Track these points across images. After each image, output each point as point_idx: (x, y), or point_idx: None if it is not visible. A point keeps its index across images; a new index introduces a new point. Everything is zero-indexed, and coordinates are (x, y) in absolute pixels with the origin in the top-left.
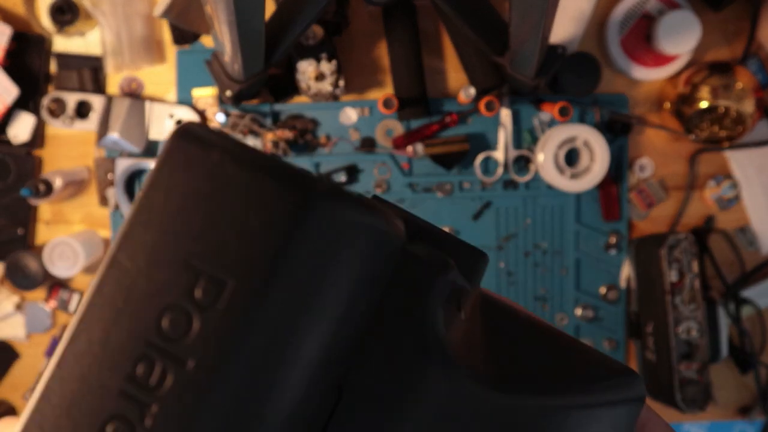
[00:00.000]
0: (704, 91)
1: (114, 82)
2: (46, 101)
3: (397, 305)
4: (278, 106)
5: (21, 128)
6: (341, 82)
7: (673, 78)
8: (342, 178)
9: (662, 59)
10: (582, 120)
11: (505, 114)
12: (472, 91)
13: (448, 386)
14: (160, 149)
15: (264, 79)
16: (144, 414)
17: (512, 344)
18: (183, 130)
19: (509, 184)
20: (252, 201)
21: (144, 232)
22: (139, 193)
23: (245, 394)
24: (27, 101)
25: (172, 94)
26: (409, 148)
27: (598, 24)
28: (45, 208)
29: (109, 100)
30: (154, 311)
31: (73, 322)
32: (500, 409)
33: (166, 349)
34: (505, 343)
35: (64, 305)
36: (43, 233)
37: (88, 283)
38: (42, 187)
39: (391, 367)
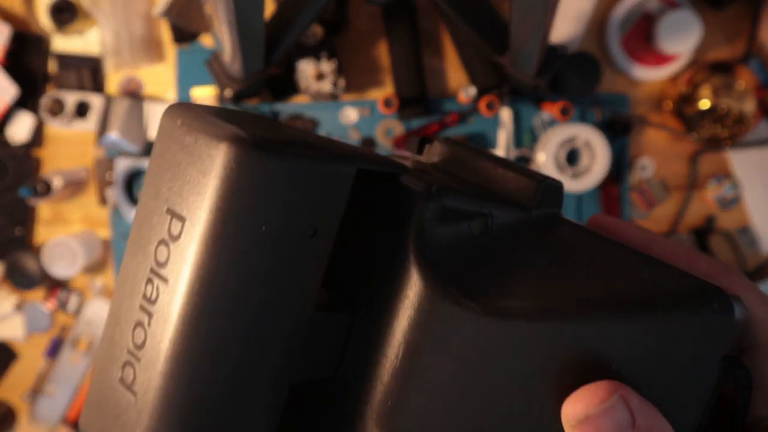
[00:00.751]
0: (705, 90)
1: (113, 82)
2: (45, 101)
3: (385, 230)
4: (278, 106)
5: (20, 128)
6: (341, 82)
7: (674, 78)
8: None
9: (663, 59)
10: (583, 120)
11: (506, 114)
12: (473, 90)
13: (435, 305)
14: None
15: (264, 79)
16: (150, 320)
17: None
18: (169, 107)
19: None
20: (194, 156)
21: (147, 188)
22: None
23: (205, 304)
24: (26, 101)
25: (171, 94)
26: None
27: (598, 24)
28: (44, 208)
29: (109, 99)
30: (151, 245)
31: (124, 259)
32: (491, 330)
33: (158, 273)
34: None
35: (63, 305)
36: (42, 233)
37: (86, 284)
38: (41, 187)
39: (383, 286)
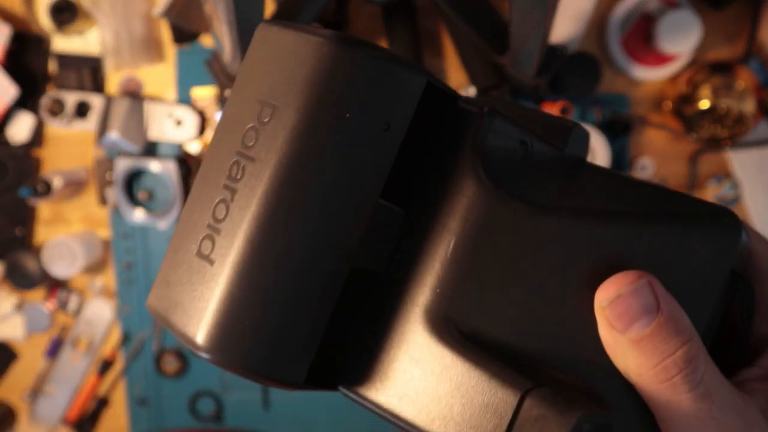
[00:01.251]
0: (705, 90)
1: (113, 82)
2: (45, 101)
3: (442, 143)
4: None
5: (20, 128)
6: None
7: (674, 78)
8: None
9: (663, 59)
10: (583, 120)
11: None
12: (473, 90)
13: (486, 203)
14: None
15: None
16: (234, 195)
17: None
18: (264, 22)
19: None
20: (290, 51)
21: (238, 87)
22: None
23: (292, 178)
24: (26, 101)
25: (171, 94)
26: None
27: (598, 24)
28: (44, 208)
29: (109, 99)
30: (239, 132)
31: (212, 138)
32: (538, 228)
33: (245, 154)
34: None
35: (63, 305)
36: (42, 233)
37: (86, 284)
38: (41, 187)
39: (439, 188)
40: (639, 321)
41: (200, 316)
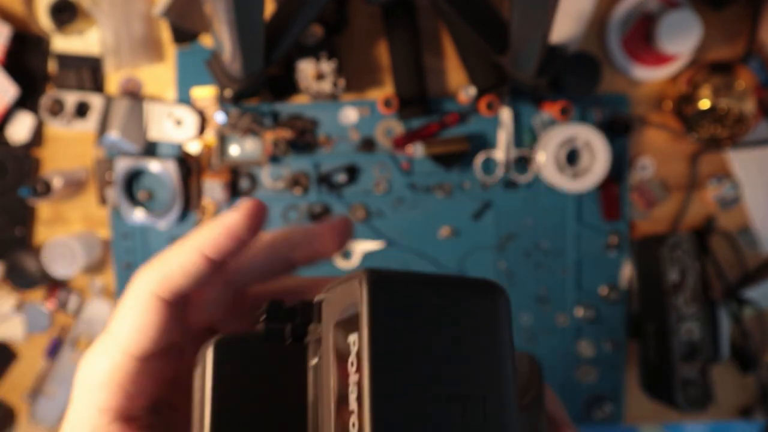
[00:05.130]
0: (705, 90)
1: (113, 82)
2: (45, 101)
3: None
4: (278, 106)
5: (20, 128)
6: (341, 82)
7: (674, 78)
8: (342, 178)
9: (663, 59)
10: (583, 120)
11: (506, 114)
12: (473, 90)
13: None
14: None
15: (264, 79)
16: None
17: None
18: (376, 279)
19: (509, 184)
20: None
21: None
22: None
23: None
24: (26, 101)
25: (171, 94)
26: (409, 148)
27: (598, 24)
28: (44, 208)
29: (109, 99)
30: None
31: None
32: None
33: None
34: None
35: (63, 305)
36: (42, 233)
37: (86, 284)
38: (41, 187)
39: None
40: None
41: None
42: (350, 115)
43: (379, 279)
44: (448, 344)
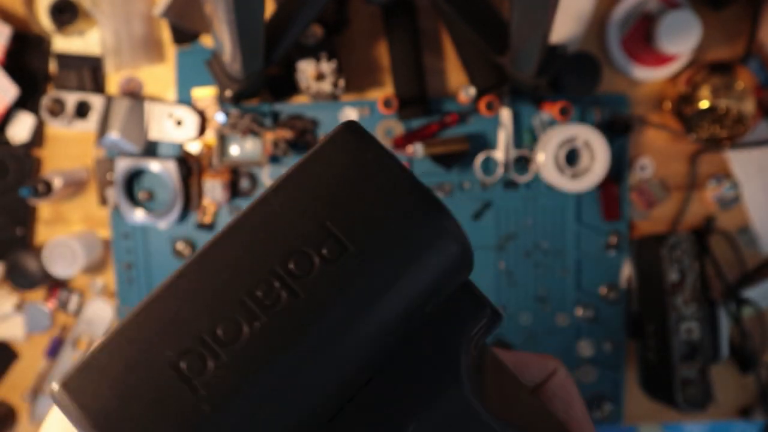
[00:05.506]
0: (705, 90)
1: (113, 82)
2: (45, 101)
3: (440, 328)
4: (278, 106)
5: (20, 128)
6: (341, 82)
7: (674, 78)
8: None
9: (663, 59)
10: (582, 120)
11: (506, 114)
12: (472, 90)
13: (459, 403)
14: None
15: (264, 79)
16: (252, 322)
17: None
18: (350, 124)
19: (509, 184)
20: (392, 202)
21: (296, 189)
22: (300, 159)
23: (329, 334)
24: (26, 101)
25: (171, 94)
26: (409, 148)
27: (598, 24)
28: (44, 208)
29: (109, 99)
30: (284, 249)
31: (215, 235)
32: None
33: (286, 282)
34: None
35: (63, 305)
36: (42, 233)
37: (87, 284)
38: (41, 187)
39: (416, 374)
40: None
41: None
42: (350, 115)
43: (357, 128)
44: (360, 203)
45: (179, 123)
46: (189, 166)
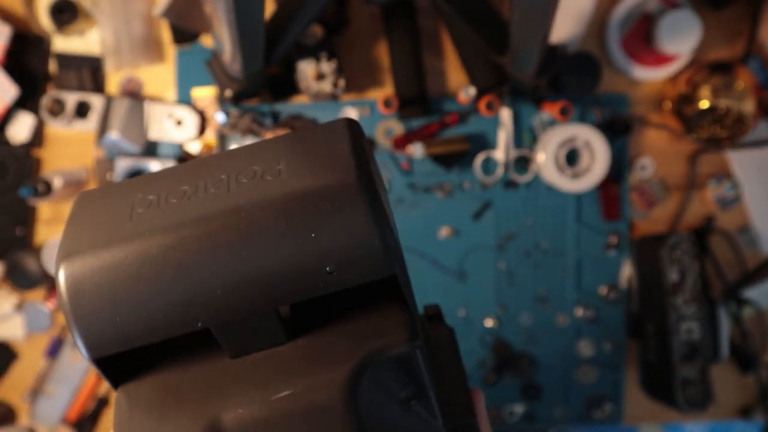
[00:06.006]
0: (705, 90)
1: (113, 82)
2: (45, 101)
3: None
4: (278, 106)
5: (20, 128)
6: (341, 82)
7: (674, 78)
8: None
9: (663, 59)
10: (582, 120)
11: (506, 114)
12: (473, 90)
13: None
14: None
15: (264, 79)
16: (195, 193)
17: None
18: (351, 122)
19: (509, 184)
20: (345, 228)
21: (276, 141)
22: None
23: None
24: (26, 101)
25: (171, 94)
26: (409, 148)
27: (598, 24)
28: (44, 208)
29: (109, 99)
30: (244, 166)
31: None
32: None
33: (229, 179)
34: None
35: None
36: (42, 233)
37: None
38: (41, 187)
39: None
40: None
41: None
42: (350, 115)
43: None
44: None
45: (179, 123)
46: None
